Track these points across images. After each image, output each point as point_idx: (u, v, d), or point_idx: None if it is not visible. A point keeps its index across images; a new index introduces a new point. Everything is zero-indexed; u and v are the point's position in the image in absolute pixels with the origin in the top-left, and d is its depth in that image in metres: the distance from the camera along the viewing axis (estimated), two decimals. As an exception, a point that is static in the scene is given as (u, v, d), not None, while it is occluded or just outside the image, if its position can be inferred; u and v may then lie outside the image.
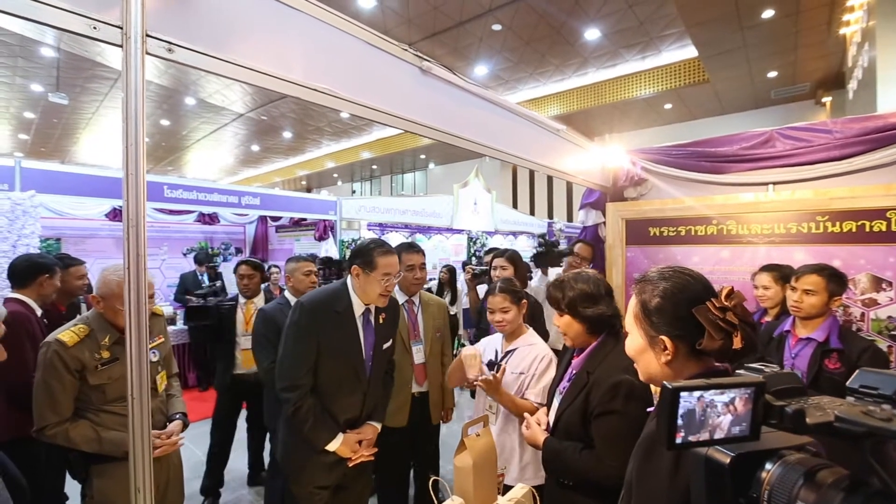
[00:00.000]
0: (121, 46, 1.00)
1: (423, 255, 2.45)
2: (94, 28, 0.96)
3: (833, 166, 2.44)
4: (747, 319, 0.85)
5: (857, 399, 0.58)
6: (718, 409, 0.57)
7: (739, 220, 2.66)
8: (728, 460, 0.58)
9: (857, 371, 0.61)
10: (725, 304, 0.85)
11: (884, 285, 2.23)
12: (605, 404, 1.32)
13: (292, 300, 2.52)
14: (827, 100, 9.20)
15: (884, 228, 2.24)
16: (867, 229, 2.28)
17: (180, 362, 5.36)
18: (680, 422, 0.56)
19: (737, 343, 0.83)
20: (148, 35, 1.04)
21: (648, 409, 0.96)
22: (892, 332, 2.20)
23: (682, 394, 0.55)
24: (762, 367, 0.68)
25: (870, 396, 0.57)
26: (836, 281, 1.90)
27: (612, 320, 1.47)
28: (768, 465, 0.57)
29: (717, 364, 0.90)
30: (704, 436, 0.57)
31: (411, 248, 2.45)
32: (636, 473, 0.86)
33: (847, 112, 7.76)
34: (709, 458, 0.60)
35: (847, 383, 0.60)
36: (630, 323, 0.97)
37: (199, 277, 5.62)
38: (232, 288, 6.81)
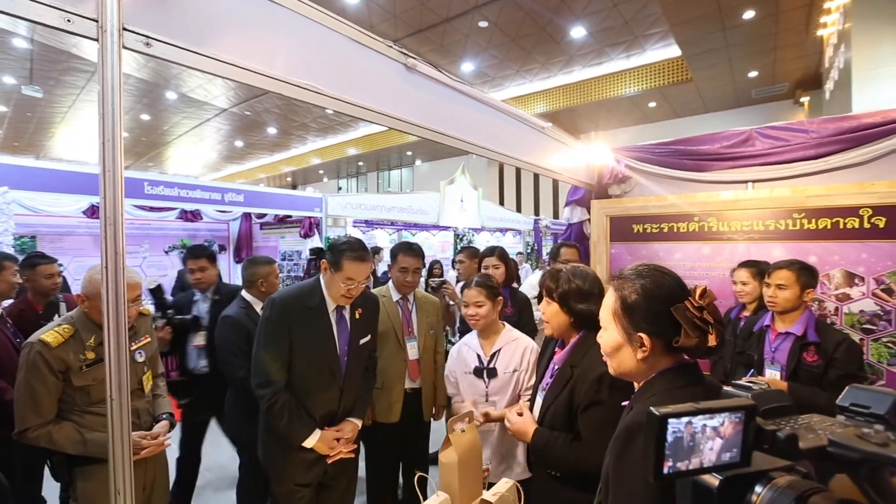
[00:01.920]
0: (96, 40, 0.98)
1: (420, 259, 2.41)
2: (69, 21, 0.93)
3: (809, 165, 2.50)
4: (717, 317, 0.88)
5: (848, 418, 0.56)
6: (708, 435, 0.54)
7: (720, 218, 2.72)
8: (717, 483, 0.56)
9: (847, 388, 0.60)
10: (701, 303, 0.87)
11: (856, 280, 2.31)
12: (592, 396, 1.35)
13: (254, 302, 2.42)
14: (805, 100, 9.43)
15: (857, 225, 2.30)
16: (841, 226, 2.35)
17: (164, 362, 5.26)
18: (668, 451, 0.53)
19: (711, 340, 0.85)
20: (125, 28, 1.01)
21: (623, 403, 0.98)
22: (864, 326, 2.28)
23: (670, 420, 0.53)
24: (750, 385, 0.66)
25: (861, 416, 0.56)
26: (806, 273, 1.96)
27: (596, 318, 1.48)
28: (758, 489, 0.55)
29: (686, 358, 0.92)
30: (694, 463, 0.54)
31: (409, 250, 2.39)
32: (612, 467, 0.87)
33: (824, 112, 7.96)
34: (696, 481, 0.58)
35: (837, 401, 0.59)
36: (607, 319, 0.98)
37: None
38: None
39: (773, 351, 2.02)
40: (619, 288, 0.95)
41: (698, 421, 0.54)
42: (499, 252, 2.82)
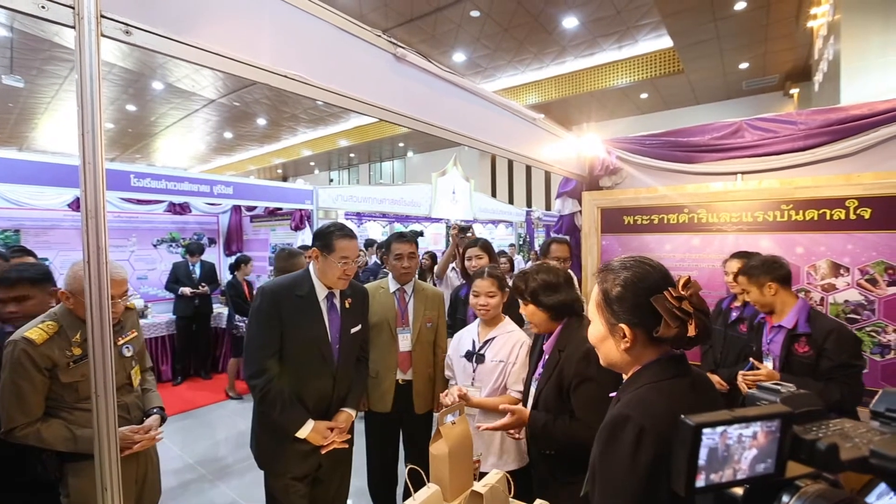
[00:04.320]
0: (73, 27, 0.95)
1: (414, 245, 2.42)
2: (43, 7, 0.90)
3: (798, 156, 2.52)
4: (702, 308, 0.88)
5: (883, 424, 0.54)
6: (743, 445, 0.51)
7: (709, 209, 2.73)
8: (742, 492, 0.54)
9: (881, 392, 0.57)
10: (682, 293, 0.87)
11: (841, 271, 2.34)
12: (581, 373, 1.39)
13: None
14: (795, 91, 9.48)
15: (843, 217, 2.33)
16: (828, 217, 2.37)
17: (154, 355, 5.24)
18: (702, 462, 0.50)
19: (691, 331, 0.86)
20: (103, 16, 0.98)
21: (611, 395, 0.99)
22: (849, 315, 2.32)
23: (705, 430, 0.50)
24: (777, 388, 0.63)
25: None
26: (756, 271, 2.00)
27: (573, 305, 1.56)
28: (785, 498, 0.52)
29: (674, 350, 0.93)
30: (727, 475, 0.51)
31: (401, 237, 2.44)
32: (598, 457, 0.88)
33: (813, 103, 8.02)
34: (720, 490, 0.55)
35: (871, 406, 0.57)
36: (592, 311, 0.99)
37: (191, 268, 5.55)
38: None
39: (769, 343, 2.06)
40: (603, 280, 0.96)
41: (733, 430, 0.51)
42: (482, 243, 2.84)
